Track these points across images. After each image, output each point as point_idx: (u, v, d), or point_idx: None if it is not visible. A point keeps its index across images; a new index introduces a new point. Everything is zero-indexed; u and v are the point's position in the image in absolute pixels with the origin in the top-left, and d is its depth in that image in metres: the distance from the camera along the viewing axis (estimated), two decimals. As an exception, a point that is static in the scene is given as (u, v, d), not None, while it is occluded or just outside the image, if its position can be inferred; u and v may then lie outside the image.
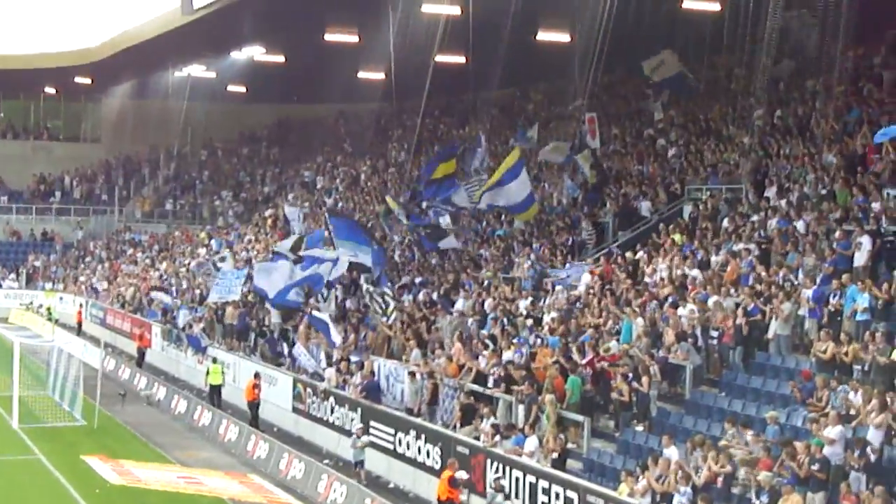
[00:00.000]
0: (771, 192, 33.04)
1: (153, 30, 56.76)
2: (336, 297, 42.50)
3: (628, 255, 34.32)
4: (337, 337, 37.74)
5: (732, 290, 28.57)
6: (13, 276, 74.26)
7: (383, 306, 38.20)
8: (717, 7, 36.72)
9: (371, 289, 38.93)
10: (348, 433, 34.04)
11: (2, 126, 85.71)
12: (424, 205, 43.71)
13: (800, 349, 26.52)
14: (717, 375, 27.49)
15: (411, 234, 44.53)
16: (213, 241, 63.05)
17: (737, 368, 27.13)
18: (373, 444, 31.12)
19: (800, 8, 36.88)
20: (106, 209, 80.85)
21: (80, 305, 65.05)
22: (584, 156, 41.36)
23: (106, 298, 64.13)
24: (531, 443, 26.18)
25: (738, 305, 27.66)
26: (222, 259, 54.11)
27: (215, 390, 41.58)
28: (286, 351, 40.95)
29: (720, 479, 22.48)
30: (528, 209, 40.06)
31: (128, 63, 65.46)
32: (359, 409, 33.80)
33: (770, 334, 26.80)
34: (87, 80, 73.72)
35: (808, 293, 26.51)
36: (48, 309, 64.61)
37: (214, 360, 42.99)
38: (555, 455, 25.72)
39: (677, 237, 33.61)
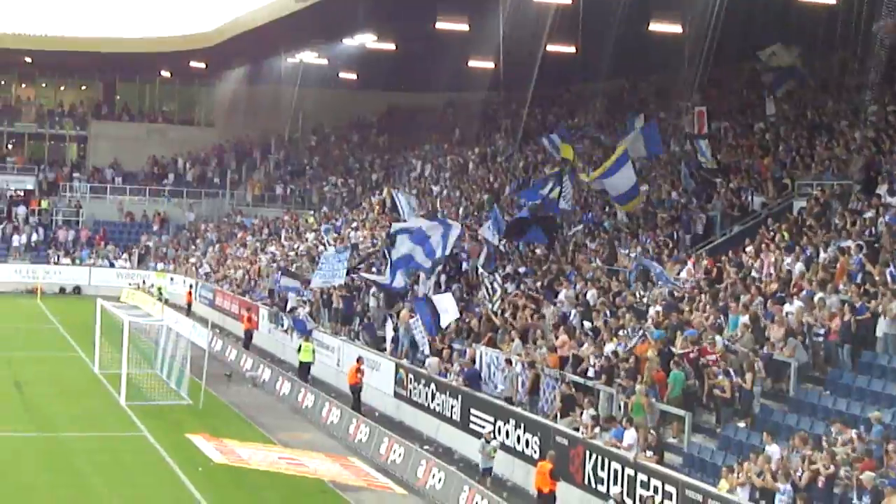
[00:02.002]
0: (882, 189, 32.47)
1: (266, 16, 57.32)
2: (440, 283, 42.66)
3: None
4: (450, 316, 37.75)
5: (841, 287, 28.15)
6: (125, 256, 75.59)
7: (492, 291, 38.29)
8: (832, 0, 36.11)
9: (484, 273, 39.01)
10: (448, 419, 34.25)
11: (118, 108, 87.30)
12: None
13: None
14: (822, 373, 27.11)
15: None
16: (322, 227, 63.58)
17: (843, 367, 26.73)
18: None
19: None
20: (217, 192, 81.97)
21: (190, 286, 66.05)
22: (707, 142, 41.06)
23: (215, 280, 65.04)
24: (629, 435, 26.05)
25: (844, 303, 27.24)
26: (326, 246, 54.60)
27: (305, 367, 42.73)
28: (389, 336, 41.24)
29: (822, 479, 22.18)
30: (631, 200, 39.90)
31: (241, 49, 66.29)
32: (459, 397, 33.93)
33: (878, 333, 26.39)
34: (202, 65, 74.77)
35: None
36: (159, 289, 65.73)
37: (307, 339, 43.80)
38: (649, 449, 25.57)
39: (778, 236, 33.18)
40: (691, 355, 28.17)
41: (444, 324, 37.68)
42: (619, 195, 39.81)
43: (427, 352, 37.53)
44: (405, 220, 47.36)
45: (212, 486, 28.38)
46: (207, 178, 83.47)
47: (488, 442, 29.55)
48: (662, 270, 34.13)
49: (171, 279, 70.15)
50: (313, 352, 43.20)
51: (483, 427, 31.62)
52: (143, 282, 69.58)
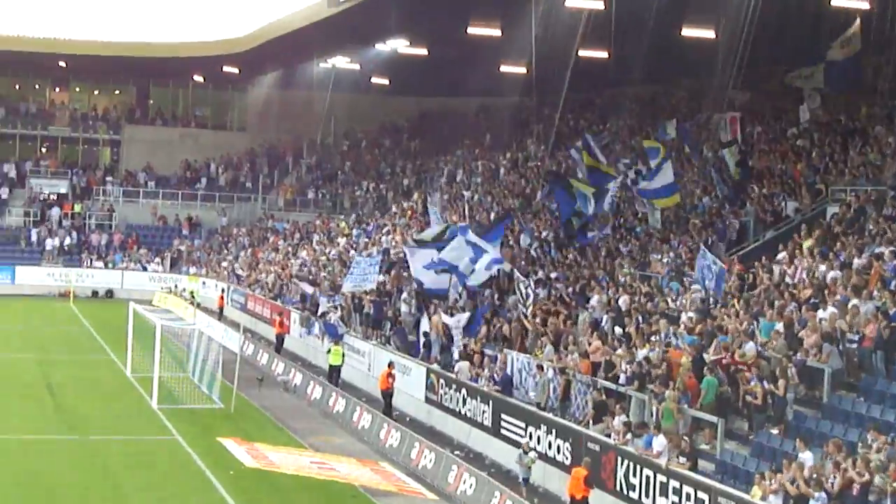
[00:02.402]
0: (917, 194, 32.31)
1: (299, 21, 57.48)
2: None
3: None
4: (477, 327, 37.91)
5: (875, 293, 27.96)
6: (158, 259, 75.91)
7: (525, 296, 38.27)
8: (865, 5, 35.90)
9: (520, 277, 39.04)
10: (479, 425, 34.19)
11: (151, 113, 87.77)
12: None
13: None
14: (856, 380, 26.92)
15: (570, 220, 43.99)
16: (354, 231, 63.73)
17: (877, 373, 26.53)
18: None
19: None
20: (250, 196, 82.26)
21: (223, 290, 66.24)
22: (731, 151, 40.82)
23: (247, 284, 65.20)
24: (659, 442, 25.93)
25: (878, 309, 27.05)
26: (360, 250, 54.73)
27: (335, 370, 43.21)
28: (422, 341, 41.31)
29: (856, 486, 22.01)
30: (670, 196, 39.82)
31: (274, 53, 66.50)
32: (490, 402, 33.89)
33: (912, 340, 26.21)
34: (235, 70, 75.08)
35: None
36: (191, 293, 65.99)
37: (336, 342, 44.32)
38: (682, 455, 25.45)
39: (807, 243, 32.92)
40: (724, 361, 28.04)
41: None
42: (655, 189, 39.74)
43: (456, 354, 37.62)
44: (437, 225, 47.56)
45: (243, 490, 28.44)
46: (240, 183, 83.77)
47: (526, 453, 29.38)
48: (723, 271, 33.32)
49: (203, 283, 70.35)
50: (343, 355, 43.59)
51: (514, 433, 31.59)
52: (176, 286, 69.89)
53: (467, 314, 39.55)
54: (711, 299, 32.73)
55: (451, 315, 39.96)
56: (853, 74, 40.50)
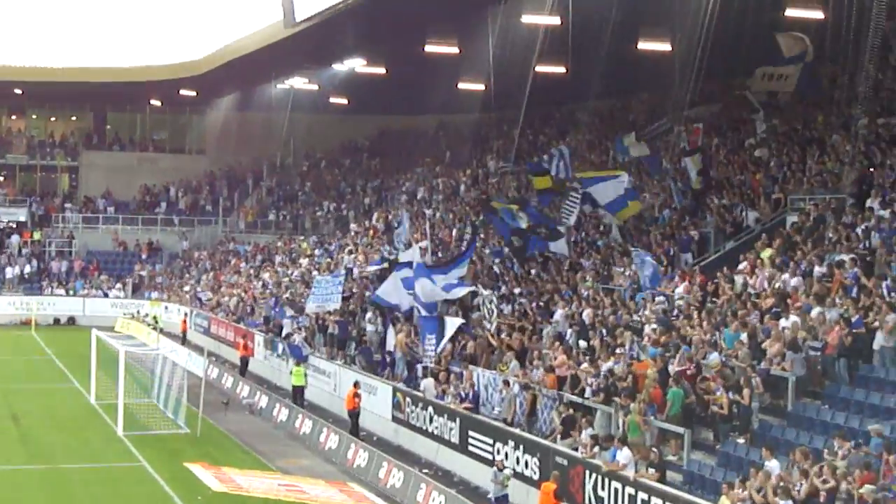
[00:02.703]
0: (875, 202, 32.54)
1: (256, 43, 57.46)
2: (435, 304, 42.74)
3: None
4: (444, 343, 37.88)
5: (836, 301, 28.18)
6: (119, 285, 75.52)
7: (490, 312, 38.35)
8: (820, 15, 36.21)
9: (485, 292, 39.11)
10: (447, 442, 34.17)
11: (109, 138, 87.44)
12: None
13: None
14: (820, 387, 27.11)
15: (511, 240, 44.17)
16: (316, 251, 63.64)
17: (840, 381, 26.73)
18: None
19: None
20: (210, 220, 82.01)
21: (185, 315, 65.96)
22: (695, 160, 41.10)
23: (210, 308, 64.99)
24: (624, 455, 26.00)
25: (840, 317, 27.26)
26: (322, 271, 54.65)
27: (298, 391, 43.47)
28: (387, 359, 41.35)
29: (822, 493, 22.14)
30: (626, 206, 39.91)
31: (231, 76, 66.42)
32: (458, 419, 33.89)
33: (875, 346, 26.42)
34: (192, 93, 74.88)
35: (913, 305, 26.10)
36: (154, 318, 65.67)
37: (298, 363, 44.50)
38: (651, 467, 25.53)
39: (765, 253, 33.17)
40: (688, 372, 28.18)
41: (439, 348, 37.90)
42: (609, 202, 39.86)
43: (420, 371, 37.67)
44: (403, 242, 47.70)
45: (211, 515, 28.30)
46: (200, 206, 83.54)
47: (500, 470, 29.13)
48: (656, 271, 34.11)
49: (166, 308, 70.05)
50: (305, 375, 43.78)
51: (483, 449, 31.61)
52: (138, 311, 69.49)
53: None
54: (675, 310, 32.95)
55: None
56: (807, 86, 41.09)
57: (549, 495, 26.14)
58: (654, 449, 26.49)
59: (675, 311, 33.05)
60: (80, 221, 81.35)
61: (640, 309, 34.45)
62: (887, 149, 35.46)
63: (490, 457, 31.39)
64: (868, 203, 32.87)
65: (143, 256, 79.34)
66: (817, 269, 30.49)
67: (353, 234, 64.54)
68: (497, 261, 45.08)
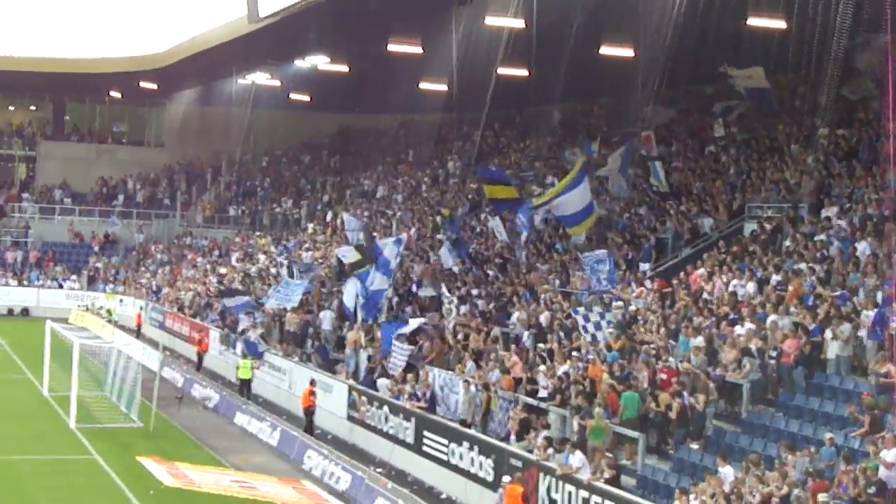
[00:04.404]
0: (832, 211, 32.79)
1: (219, 37, 57.17)
2: (392, 306, 42.84)
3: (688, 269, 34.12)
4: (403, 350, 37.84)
5: (793, 309, 28.35)
6: (74, 277, 74.99)
7: (447, 312, 38.36)
8: (783, 25, 36.37)
9: (445, 293, 39.12)
10: (401, 442, 34.12)
11: (67, 129, 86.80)
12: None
13: (858, 371, 26.28)
14: (774, 395, 27.27)
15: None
16: (272, 248, 63.45)
17: (795, 388, 26.90)
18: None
19: (867, 31, 36.44)
20: (168, 213, 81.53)
21: (140, 308, 65.57)
22: (663, 164, 41.27)
23: (165, 302, 64.64)
24: (577, 458, 26.05)
25: (797, 325, 27.43)
26: (288, 268, 54.47)
27: (245, 384, 43.34)
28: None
29: (775, 500, 22.25)
30: (583, 221, 39.90)
31: (193, 69, 66.07)
32: (413, 419, 33.85)
33: (829, 355, 26.60)
34: (153, 86, 74.36)
35: (868, 315, 26.27)
36: (108, 311, 65.24)
37: (244, 356, 44.54)
38: (605, 472, 25.55)
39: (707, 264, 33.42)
40: (643, 377, 28.28)
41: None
42: (567, 216, 39.75)
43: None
44: (353, 243, 47.76)
45: (163, 510, 28.14)
46: (157, 199, 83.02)
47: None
48: (612, 268, 34.25)
49: (121, 301, 69.61)
50: (251, 368, 43.58)
51: (437, 450, 31.61)
52: (93, 303, 68.98)
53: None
54: (628, 316, 33.07)
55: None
56: (765, 105, 41.49)
57: (516, 498, 25.96)
58: (608, 454, 26.57)
59: (629, 317, 33.15)
60: (37, 212, 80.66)
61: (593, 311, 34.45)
62: (845, 159, 35.72)
63: (444, 458, 31.38)
64: (824, 213, 33.10)
65: (95, 248, 78.67)
66: (774, 277, 30.69)
67: (310, 231, 64.40)
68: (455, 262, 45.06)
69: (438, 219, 43.83)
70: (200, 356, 51.23)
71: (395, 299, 43.80)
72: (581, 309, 32.99)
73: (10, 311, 71.66)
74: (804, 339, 26.88)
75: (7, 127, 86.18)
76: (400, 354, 37.38)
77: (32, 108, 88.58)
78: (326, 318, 45.14)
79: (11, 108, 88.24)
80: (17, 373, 49.01)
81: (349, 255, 46.73)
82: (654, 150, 42.35)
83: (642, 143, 42.71)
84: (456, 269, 44.53)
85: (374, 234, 51.19)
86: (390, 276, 41.60)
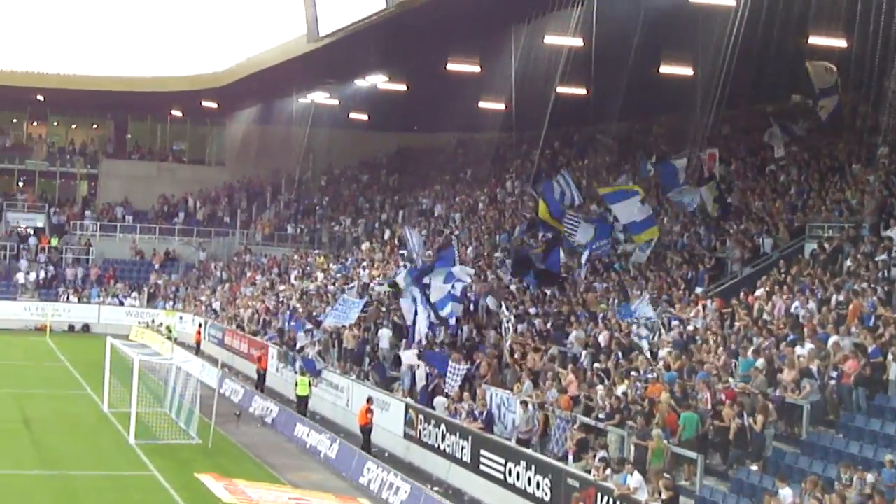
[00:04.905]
0: (893, 231, 32.46)
1: (278, 56, 57.62)
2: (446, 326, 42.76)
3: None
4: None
5: (853, 330, 28.08)
6: (135, 294, 75.63)
7: (506, 331, 38.27)
8: (843, 44, 36.18)
9: (504, 312, 39.05)
10: (459, 461, 34.08)
11: (129, 147, 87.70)
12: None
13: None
14: (835, 416, 27.00)
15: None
16: (332, 266, 63.66)
17: (856, 410, 26.62)
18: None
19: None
20: (228, 231, 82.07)
21: (200, 325, 66.00)
22: (710, 188, 40.99)
23: (224, 319, 65.01)
24: (635, 479, 25.89)
25: (857, 346, 27.16)
26: (350, 287, 54.60)
27: (302, 401, 43.43)
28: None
29: (836, 522, 22.06)
30: (648, 228, 39.78)
31: (253, 89, 66.62)
32: (469, 438, 33.80)
33: (891, 376, 26.32)
34: (213, 105, 75.10)
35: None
36: (168, 328, 65.72)
37: (302, 373, 44.57)
38: (663, 493, 25.37)
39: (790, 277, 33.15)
40: (703, 397, 28.09)
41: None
42: (632, 223, 39.71)
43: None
44: (416, 257, 47.65)
45: (221, 526, 28.24)
46: (217, 217, 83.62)
47: None
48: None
49: (181, 318, 70.10)
50: (309, 385, 43.74)
51: (494, 469, 31.53)
52: (153, 320, 69.56)
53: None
54: (686, 335, 32.86)
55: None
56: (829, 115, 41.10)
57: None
58: (666, 475, 26.38)
59: (688, 336, 32.96)
60: (98, 229, 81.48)
61: (653, 333, 34.34)
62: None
63: (501, 477, 31.30)
64: (886, 233, 32.79)
65: (156, 266, 79.32)
66: (834, 298, 30.42)
67: (370, 249, 64.56)
68: (514, 281, 44.95)
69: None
70: (261, 374, 51.09)
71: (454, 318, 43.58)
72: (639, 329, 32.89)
73: (72, 328, 72.41)
74: (864, 361, 26.60)
75: (70, 145, 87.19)
76: (455, 374, 37.36)
77: (94, 126, 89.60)
78: (384, 337, 45.19)
79: (74, 126, 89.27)
80: (78, 389, 49.46)
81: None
82: (715, 168, 42.11)
83: (706, 161, 42.48)
84: (513, 286, 44.42)
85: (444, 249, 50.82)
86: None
